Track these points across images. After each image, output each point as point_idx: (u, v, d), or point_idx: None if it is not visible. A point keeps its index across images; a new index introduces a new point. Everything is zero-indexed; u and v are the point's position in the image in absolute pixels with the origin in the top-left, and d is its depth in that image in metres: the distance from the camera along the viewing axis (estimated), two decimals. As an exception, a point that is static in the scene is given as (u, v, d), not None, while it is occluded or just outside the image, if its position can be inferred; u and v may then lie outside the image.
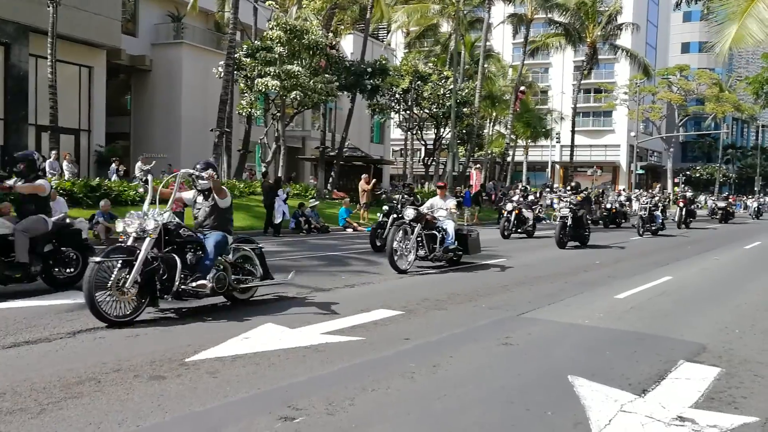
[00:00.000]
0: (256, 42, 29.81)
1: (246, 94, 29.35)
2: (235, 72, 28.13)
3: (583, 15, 45.12)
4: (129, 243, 7.29)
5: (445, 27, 47.28)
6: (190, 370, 5.52)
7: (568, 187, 22.02)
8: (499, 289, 10.41)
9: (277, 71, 26.88)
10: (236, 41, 28.13)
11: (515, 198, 23.14)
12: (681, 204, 29.36)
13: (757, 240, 23.23)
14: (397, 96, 37.51)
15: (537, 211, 24.58)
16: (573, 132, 50.40)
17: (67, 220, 16.23)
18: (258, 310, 8.10)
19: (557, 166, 71.29)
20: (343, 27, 40.32)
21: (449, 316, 8.25)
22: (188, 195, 8.56)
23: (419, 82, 36.58)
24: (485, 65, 41.54)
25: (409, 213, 12.38)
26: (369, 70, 32.65)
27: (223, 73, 27.30)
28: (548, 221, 28.54)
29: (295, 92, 27.13)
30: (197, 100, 35.48)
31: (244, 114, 30.59)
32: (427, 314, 8.27)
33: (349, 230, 23.43)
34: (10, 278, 8.74)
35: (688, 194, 32.16)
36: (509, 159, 52.32)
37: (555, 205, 27.16)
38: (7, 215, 14.94)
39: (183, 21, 37.50)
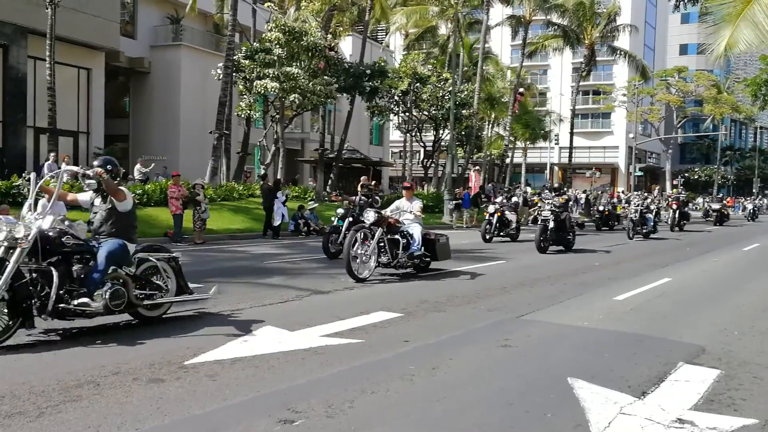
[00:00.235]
0: (254, 44, 29.84)
1: (245, 96, 29.36)
2: (234, 74, 28.13)
3: (582, 16, 45.14)
4: None
5: (444, 29, 47.30)
6: (189, 373, 5.51)
7: (545, 188, 21.71)
8: (498, 291, 10.41)
9: (276, 73, 26.89)
10: (235, 43, 28.14)
11: (498, 199, 22.17)
12: (674, 206, 28.79)
13: (756, 242, 23.23)
14: (396, 98, 37.53)
15: (536, 213, 24.41)
16: (571, 134, 50.41)
17: (66, 223, 16.36)
18: (257, 313, 8.09)
19: (556, 168, 71.29)
20: (342, 29, 40.33)
21: (448, 318, 8.25)
22: (84, 197, 7.54)
23: (418, 84, 36.60)
24: (484, 67, 41.55)
25: (370, 216, 11.44)
26: (368, 72, 32.68)
27: (221, 75, 27.30)
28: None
29: (294, 95, 27.14)
30: (196, 102, 35.48)
31: (243, 116, 30.60)
32: (426, 316, 8.26)
33: (348, 232, 23.39)
34: None
35: (681, 196, 31.54)
36: (508, 161, 52.35)
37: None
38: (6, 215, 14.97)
39: (182, 23, 37.51)
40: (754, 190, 75.14)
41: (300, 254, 15.88)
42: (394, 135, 56.15)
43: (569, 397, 5.13)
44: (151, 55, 36.25)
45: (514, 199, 22.52)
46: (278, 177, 28.01)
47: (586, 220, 33.02)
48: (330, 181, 33.59)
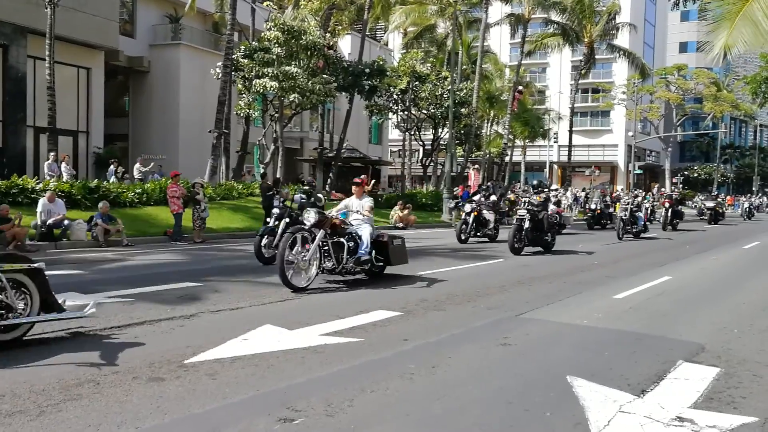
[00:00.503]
0: (254, 43, 29.82)
1: (244, 95, 29.36)
2: (233, 73, 28.13)
3: (581, 14, 45.13)
4: None
5: (443, 27, 47.29)
6: (189, 371, 5.51)
7: (521, 188, 21.08)
8: (497, 290, 10.41)
9: (275, 72, 26.88)
10: (234, 42, 28.13)
11: (476, 197, 20.89)
12: (666, 204, 27.90)
13: (756, 240, 23.24)
14: (395, 96, 37.52)
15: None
16: (571, 132, 50.43)
17: (66, 222, 16.37)
18: (256, 312, 8.10)
19: (555, 166, 71.32)
20: (340, 27, 40.32)
21: (448, 316, 8.25)
22: None
23: (417, 83, 36.59)
24: (483, 65, 41.54)
25: (310, 216, 10.06)
26: (367, 70, 32.66)
27: (221, 74, 27.30)
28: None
29: (294, 95, 27.13)
30: (195, 101, 35.48)
31: (242, 115, 30.60)
32: (426, 315, 8.27)
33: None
34: None
35: (674, 194, 30.56)
36: (507, 159, 52.37)
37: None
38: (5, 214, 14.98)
39: (181, 22, 37.51)
40: (754, 188, 75.18)
41: (299, 253, 15.85)
42: (393, 134, 56.16)
43: (569, 395, 5.14)
44: (150, 54, 36.25)
45: (493, 197, 21.20)
46: (277, 176, 28.00)
47: (581, 218, 32.92)
48: (329, 180, 33.57)
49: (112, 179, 24.83)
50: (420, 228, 25.00)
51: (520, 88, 46.43)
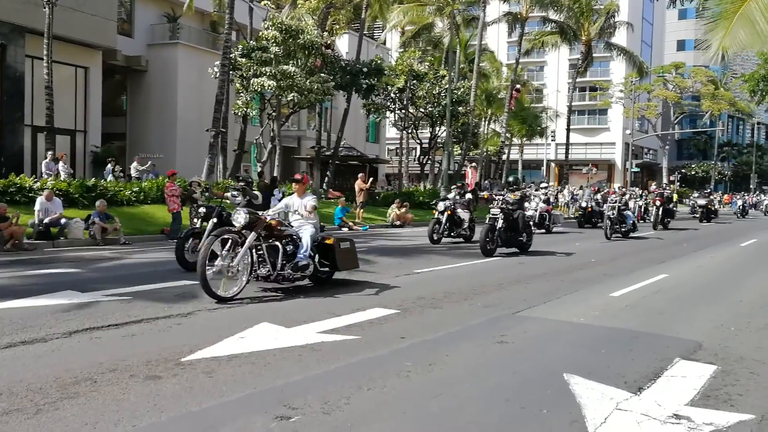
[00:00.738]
0: (251, 42, 29.79)
1: (242, 94, 29.33)
2: (231, 72, 28.10)
3: (579, 13, 45.14)
4: None
5: (440, 26, 47.26)
6: (186, 369, 5.52)
7: (490, 185, 20.21)
8: (494, 288, 10.43)
9: (272, 71, 26.86)
10: (232, 41, 28.09)
11: (450, 195, 19.88)
12: (657, 203, 26.77)
13: (753, 237, 23.27)
14: (392, 95, 37.49)
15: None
16: (568, 130, 50.48)
17: (63, 221, 16.36)
18: (253, 310, 8.10)
19: (552, 165, 71.38)
20: (338, 26, 40.27)
21: (445, 314, 8.26)
22: None
23: (414, 82, 36.57)
24: (480, 64, 41.53)
25: (240, 217, 8.87)
26: (365, 69, 32.65)
27: (218, 73, 27.26)
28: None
29: (293, 93, 27.12)
30: (193, 101, 35.44)
31: (239, 114, 30.58)
32: (423, 313, 8.28)
33: (345, 229, 23.43)
34: None
35: (666, 192, 29.46)
36: (505, 157, 52.39)
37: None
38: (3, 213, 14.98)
39: (179, 21, 37.46)
40: (751, 186, 75.26)
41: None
42: (391, 132, 56.14)
43: (565, 393, 5.15)
44: (148, 53, 36.20)
45: (468, 195, 20.16)
46: (275, 175, 27.99)
47: (571, 217, 32.81)
48: (327, 179, 33.57)
49: (110, 178, 24.80)
50: (417, 226, 25.00)
51: (518, 86, 46.43)
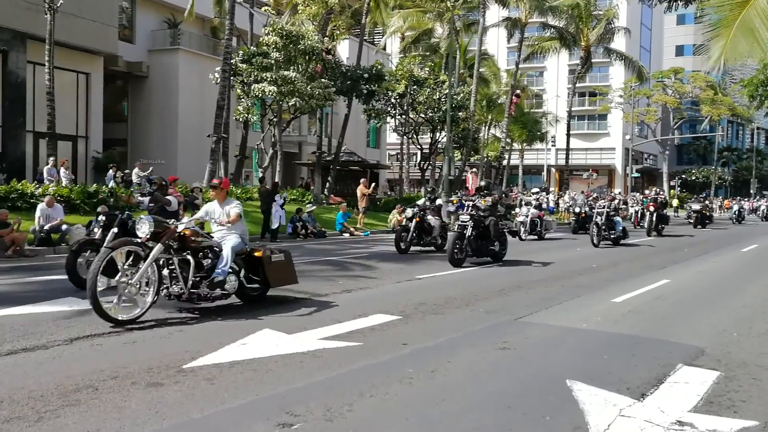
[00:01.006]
0: (252, 48, 29.83)
1: (243, 100, 29.35)
2: (232, 78, 28.13)
3: (578, 19, 45.20)
4: None
5: (440, 31, 47.32)
6: (188, 376, 5.51)
7: (461, 193, 18.65)
8: (495, 294, 10.41)
9: (273, 77, 26.89)
10: (232, 47, 28.13)
11: (420, 202, 18.59)
12: (651, 208, 25.60)
13: (755, 243, 23.23)
14: (393, 101, 37.51)
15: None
16: (568, 135, 50.50)
17: (64, 227, 16.35)
18: (255, 316, 8.08)
19: (553, 170, 71.40)
20: (338, 32, 40.32)
21: (447, 320, 8.25)
22: None
23: (415, 87, 36.59)
24: (480, 69, 41.57)
25: (144, 227, 7.70)
26: (365, 75, 32.67)
27: (219, 79, 27.30)
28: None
29: (294, 99, 27.14)
30: (194, 106, 35.48)
31: (240, 119, 30.58)
32: (425, 319, 8.26)
33: (346, 235, 23.43)
34: None
35: (660, 197, 28.42)
36: (505, 162, 52.40)
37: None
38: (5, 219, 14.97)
39: (179, 27, 37.51)
40: (751, 191, 75.24)
41: (297, 257, 15.80)
42: (391, 137, 56.13)
43: (568, 399, 5.13)
44: (149, 59, 36.26)
45: (439, 201, 18.77)
46: (276, 180, 28.00)
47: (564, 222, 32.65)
48: (328, 184, 33.56)
49: (111, 184, 24.80)
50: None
51: (518, 91, 46.47)
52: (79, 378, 5.38)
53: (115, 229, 10.37)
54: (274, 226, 20.87)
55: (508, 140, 49.35)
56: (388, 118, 40.19)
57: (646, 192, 37.98)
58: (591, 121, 78.20)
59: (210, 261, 8.30)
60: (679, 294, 10.98)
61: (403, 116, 38.67)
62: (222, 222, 8.72)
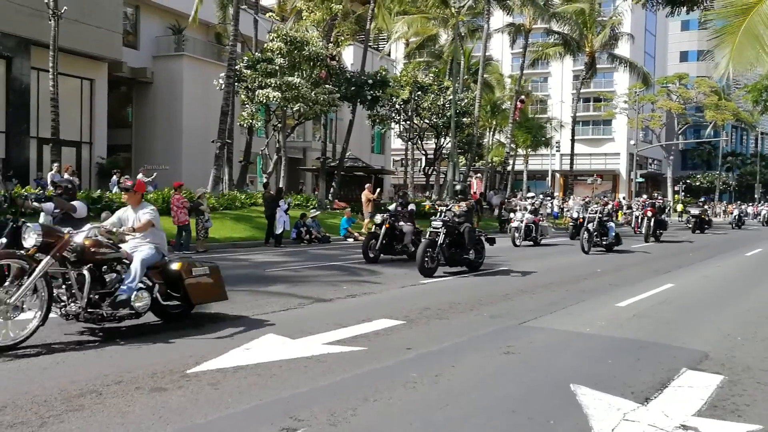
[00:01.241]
0: (256, 53, 29.91)
1: (247, 106, 29.42)
2: (236, 83, 28.21)
3: (582, 25, 45.22)
4: None
5: (444, 37, 47.42)
6: (192, 381, 5.51)
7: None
8: (500, 298, 10.40)
9: (278, 82, 26.95)
10: (237, 53, 28.22)
11: (391, 207, 17.36)
12: (648, 213, 24.76)
13: (759, 247, 23.17)
14: (397, 106, 37.58)
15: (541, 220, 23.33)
16: (573, 140, 50.48)
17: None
18: (259, 321, 8.08)
19: (557, 175, 71.33)
20: (343, 38, 40.43)
21: (451, 325, 8.24)
22: None
23: (419, 93, 36.66)
24: (485, 75, 41.63)
25: (29, 237, 6.74)
26: (369, 81, 32.73)
27: (223, 85, 27.39)
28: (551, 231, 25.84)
29: (298, 104, 27.20)
30: (198, 112, 35.56)
31: (245, 125, 30.65)
32: (429, 324, 8.26)
33: (350, 240, 23.44)
34: None
35: (658, 202, 27.77)
36: (509, 168, 52.42)
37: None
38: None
39: (184, 33, 37.64)
40: (755, 196, 75.07)
41: (302, 262, 15.87)
42: (396, 143, 56.20)
43: (572, 403, 5.12)
44: (153, 65, 36.38)
45: (411, 206, 17.46)
46: (280, 186, 28.03)
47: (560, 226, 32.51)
48: (332, 190, 33.60)
49: (115, 189, 24.84)
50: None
51: (522, 97, 46.49)
52: (83, 383, 5.38)
53: (4, 240, 8.66)
54: (278, 231, 20.90)
55: (513, 145, 49.36)
56: (393, 124, 40.27)
57: (644, 196, 37.58)
58: (596, 127, 78.20)
59: (116, 275, 7.30)
60: (684, 298, 10.96)
61: (408, 122, 38.76)
62: (127, 230, 7.59)
